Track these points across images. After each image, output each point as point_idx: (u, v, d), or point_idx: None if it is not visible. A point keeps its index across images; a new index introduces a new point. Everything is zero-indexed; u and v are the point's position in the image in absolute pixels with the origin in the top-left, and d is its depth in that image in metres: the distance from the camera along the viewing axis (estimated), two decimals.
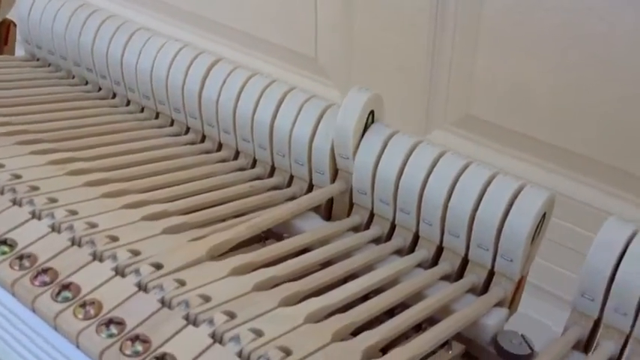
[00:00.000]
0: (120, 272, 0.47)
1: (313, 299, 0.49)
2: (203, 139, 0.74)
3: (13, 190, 0.55)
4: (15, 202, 0.54)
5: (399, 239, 0.62)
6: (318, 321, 0.47)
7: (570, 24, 0.80)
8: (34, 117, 0.70)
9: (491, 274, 0.59)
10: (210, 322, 0.44)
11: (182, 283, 0.47)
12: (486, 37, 0.88)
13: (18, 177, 0.57)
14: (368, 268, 0.57)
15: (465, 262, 0.60)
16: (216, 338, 0.43)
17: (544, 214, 0.56)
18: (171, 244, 0.51)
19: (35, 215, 0.52)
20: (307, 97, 0.66)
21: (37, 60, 0.86)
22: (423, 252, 0.61)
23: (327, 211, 0.67)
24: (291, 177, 0.69)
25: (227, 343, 0.43)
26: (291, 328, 0.45)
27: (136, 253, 0.49)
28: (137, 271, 0.47)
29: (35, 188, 0.55)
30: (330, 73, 1.08)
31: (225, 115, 0.70)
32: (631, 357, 0.53)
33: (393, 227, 0.63)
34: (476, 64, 0.90)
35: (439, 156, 0.59)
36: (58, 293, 0.45)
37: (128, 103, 0.80)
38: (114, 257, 0.48)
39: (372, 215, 0.64)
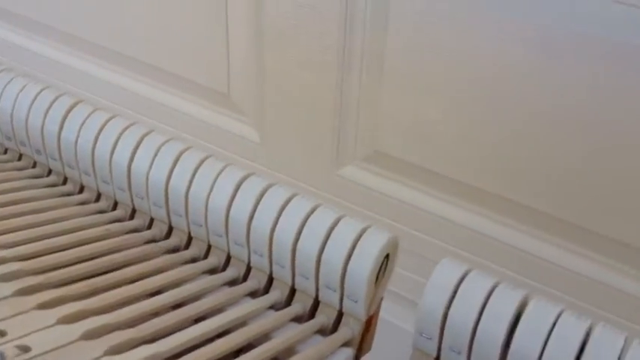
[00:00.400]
0: None
1: (147, 346, 0.49)
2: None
3: None
4: None
5: (254, 281, 0.63)
6: None
7: (462, 65, 0.84)
8: None
9: (340, 314, 0.60)
10: None
11: (2, 333, 0.45)
12: (390, 76, 0.90)
13: None
14: (216, 311, 0.57)
15: (316, 303, 0.61)
16: None
17: (387, 255, 0.58)
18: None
19: None
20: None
21: None
22: (276, 293, 0.62)
23: None
24: (151, 220, 0.68)
25: None
26: None
27: None
28: None
29: None
30: (244, 110, 1.09)
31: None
32: None
33: (249, 269, 0.63)
34: (381, 102, 0.93)
35: (290, 198, 0.60)
36: None
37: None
38: None
39: (228, 258, 0.64)
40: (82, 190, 0.72)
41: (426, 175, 0.93)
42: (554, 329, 0.51)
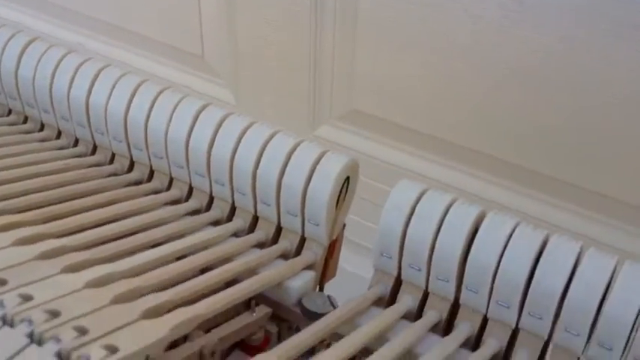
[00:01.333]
0: None
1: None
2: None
3: None
4: None
5: (217, 211, 0.63)
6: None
7: (437, 19, 0.83)
8: None
9: (303, 239, 0.60)
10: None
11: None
12: (364, 32, 0.90)
13: None
14: (177, 238, 0.57)
15: (279, 229, 0.61)
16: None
17: (347, 179, 0.58)
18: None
19: None
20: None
21: None
22: (239, 221, 0.62)
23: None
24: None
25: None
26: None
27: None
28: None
29: None
30: (218, 71, 1.08)
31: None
32: (427, 310, 0.56)
33: (211, 200, 0.64)
34: (356, 59, 0.92)
35: (248, 126, 0.60)
36: None
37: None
38: None
39: (190, 189, 0.65)
40: (42, 128, 0.72)
41: (401, 131, 0.93)
42: (511, 240, 0.51)
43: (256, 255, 0.58)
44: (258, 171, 0.59)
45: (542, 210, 0.87)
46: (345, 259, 0.65)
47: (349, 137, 0.98)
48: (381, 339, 0.51)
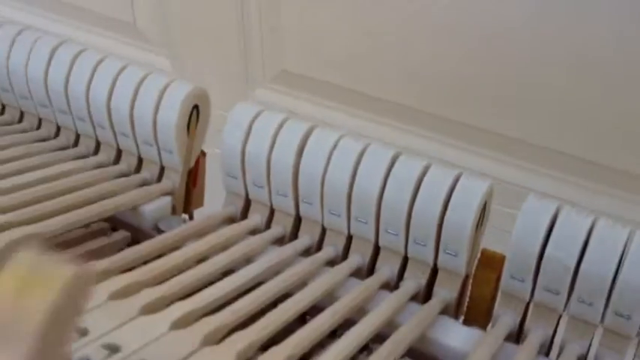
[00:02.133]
0: None
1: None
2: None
3: None
4: None
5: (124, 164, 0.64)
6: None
7: None
8: None
9: (162, 169, 0.63)
10: None
11: None
12: None
13: None
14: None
15: (140, 161, 0.64)
16: None
17: (196, 106, 0.60)
18: None
19: None
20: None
21: None
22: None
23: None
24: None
25: None
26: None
27: None
28: None
29: None
30: (152, 39, 1.07)
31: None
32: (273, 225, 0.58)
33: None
34: (281, 18, 0.92)
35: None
36: None
37: None
38: None
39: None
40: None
41: (331, 89, 0.93)
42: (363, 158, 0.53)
43: (120, 185, 0.61)
44: (111, 103, 0.62)
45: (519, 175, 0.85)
46: None
47: (283, 99, 0.98)
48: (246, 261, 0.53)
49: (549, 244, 0.47)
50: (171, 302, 0.44)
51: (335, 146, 0.54)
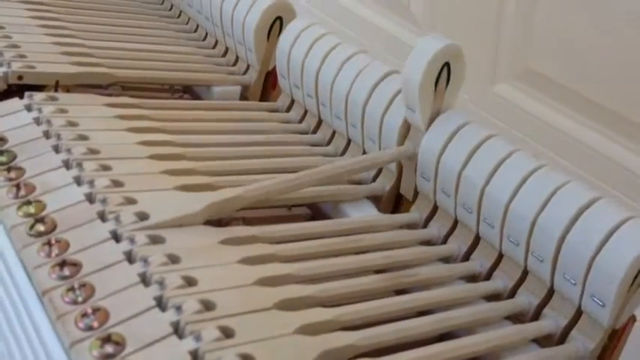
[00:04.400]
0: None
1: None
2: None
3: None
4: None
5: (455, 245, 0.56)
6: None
7: None
8: None
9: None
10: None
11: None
12: None
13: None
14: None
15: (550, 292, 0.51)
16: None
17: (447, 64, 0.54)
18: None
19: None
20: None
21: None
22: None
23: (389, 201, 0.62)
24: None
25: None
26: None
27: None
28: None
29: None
30: (419, 21, 1.11)
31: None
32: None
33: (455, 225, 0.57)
34: (535, 18, 0.91)
35: (534, 169, 0.51)
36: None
37: None
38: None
39: (435, 208, 0.58)
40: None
41: (573, 98, 0.89)
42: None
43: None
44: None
45: None
46: None
47: (523, 97, 0.96)
48: None
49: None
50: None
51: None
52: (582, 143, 0.89)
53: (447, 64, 0.56)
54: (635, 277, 0.45)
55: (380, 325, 0.45)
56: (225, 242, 0.47)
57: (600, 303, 0.46)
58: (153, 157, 0.55)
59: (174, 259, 0.44)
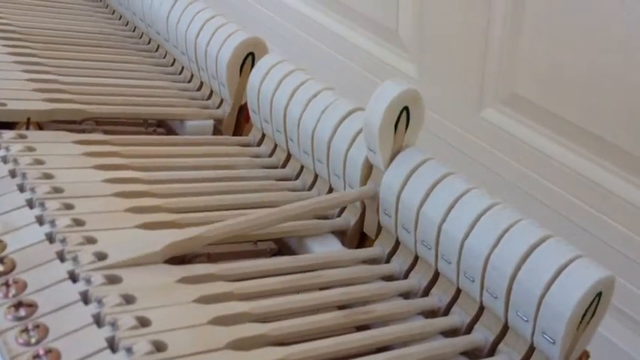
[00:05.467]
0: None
1: None
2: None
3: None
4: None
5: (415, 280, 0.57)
6: None
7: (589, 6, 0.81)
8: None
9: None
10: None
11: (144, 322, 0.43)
12: (531, 20, 0.91)
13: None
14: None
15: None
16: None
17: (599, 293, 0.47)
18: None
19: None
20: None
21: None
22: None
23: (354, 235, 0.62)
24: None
25: None
26: None
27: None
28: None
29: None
30: (408, 47, 1.14)
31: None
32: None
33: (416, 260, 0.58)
34: (520, 45, 0.94)
35: (488, 207, 0.52)
36: None
37: None
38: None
39: (397, 244, 0.59)
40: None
41: (558, 122, 0.92)
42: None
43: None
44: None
45: None
46: None
47: (510, 122, 0.99)
48: None
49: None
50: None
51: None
52: (566, 166, 0.91)
53: (406, 108, 0.57)
54: (584, 314, 0.46)
55: None
56: (182, 281, 0.48)
57: (551, 340, 0.46)
58: (118, 194, 0.56)
59: (129, 300, 0.44)
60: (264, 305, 0.48)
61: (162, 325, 0.43)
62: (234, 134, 0.78)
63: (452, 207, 0.53)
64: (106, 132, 0.71)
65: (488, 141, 1.01)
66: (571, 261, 0.46)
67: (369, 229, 0.61)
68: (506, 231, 0.49)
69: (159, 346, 0.41)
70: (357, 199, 0.61)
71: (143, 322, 0.43)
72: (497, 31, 0.96)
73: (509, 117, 0.98)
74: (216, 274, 0.50)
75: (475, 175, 1.00)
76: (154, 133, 0.77)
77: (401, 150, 0.58)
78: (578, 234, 0.89)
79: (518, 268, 0.48)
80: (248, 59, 0.76)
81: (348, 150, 0.61)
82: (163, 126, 0.79)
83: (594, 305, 0.46)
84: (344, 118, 0.63)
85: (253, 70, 0.72)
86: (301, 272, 0.54)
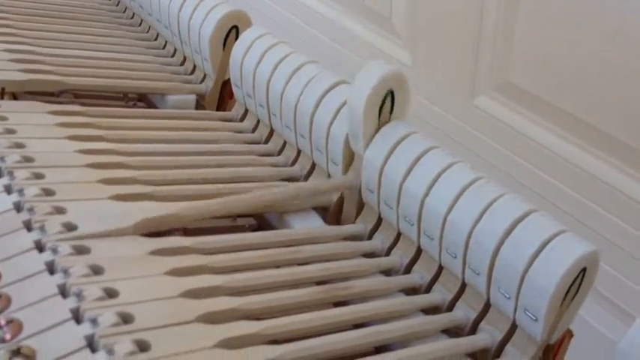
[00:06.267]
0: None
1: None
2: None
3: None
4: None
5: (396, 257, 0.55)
6: None
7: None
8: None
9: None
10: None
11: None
12: (525, 4, 0.90)
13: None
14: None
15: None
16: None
17: (584, 269, 0.45)
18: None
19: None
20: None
21: None
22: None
23: (336, 212, 0.61)
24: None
25: None
26: None
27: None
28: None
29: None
30: (401, 34, 1.13)
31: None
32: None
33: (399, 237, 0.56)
34: (515, 34, 0.93)
35: (472, 181, 0.50)
36: None
37: None
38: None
39: (379, 220, 0.58)
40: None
41: (551, 111, 0.90)
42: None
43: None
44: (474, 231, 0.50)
45: None
46: None
47: (502, 110, 0.98)
48: None
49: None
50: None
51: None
52: (558, 154, 0.90)
53: (390, 92, 0.55)
54: (568, 290, 0.45)
55: (313, 338, 0.44)
56: (155, 253, 0.46)
57: (533, 317, 0.45)
58: (91, 165, 0.54)
59: (97, 270, 0.43)
60: (239, 279, 0.46)
61: (130, 297, 0.41)
62: (218, 110, 0.77)
63: (435, 181, 0.51)
64: (84, 105, 0.69)
65: (480, 129, 1.00)
66: (555, 236, 0.45)
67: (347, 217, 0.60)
68: (489, 205, 0.48)
69: (125, 318, 0.40)
70: (336, 189, 0.60)
71: (110, 294, 0.41)
72: (490, 19, 0.95)
73: (502, 105, 0.97)
74: (190, 247, 0.48)
75: None
76: (134, 107, 0.75)
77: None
78: (568, 222, 0.88)
79: (500, 243, 0.46)
80: (232, 33, 0.74)
81: (330, 124, 0.60)
82: (144, 100, 0.77)
83: (578, 281, 0.45)
84: (327, 90, 0.61)
85: (236, 43, 0.70)
86: (280, 247, 0.52)
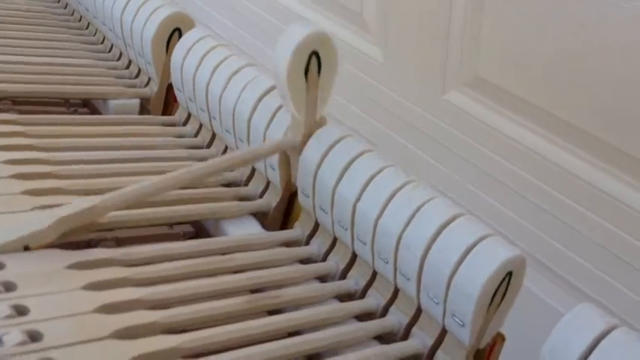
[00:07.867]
0: None
1: None
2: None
3: None
4: None
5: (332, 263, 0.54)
6: None
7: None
8: None
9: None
10: None
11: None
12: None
13: None
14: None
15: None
16: None
17: (509, 273, 0.44)
18: None
19: None
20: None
21: None
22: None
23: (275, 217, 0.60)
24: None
25: None
26: None
27: None
28: None
29: None
30: (372, 30, 1.11)
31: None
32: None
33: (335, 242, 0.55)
34: (483, 27, 0.92)
35: (402, 185, 0.49)
36: None
37: None
38: None
39: (316, 225, 0.57)
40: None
41: (521, 105, 0.89)
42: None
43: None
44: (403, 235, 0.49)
45: None
46: None
47: (473, 105, 0.97)
48: None
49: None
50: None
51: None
52: (528, 148, 0.89)
53: (315, 53, 0.53)
54: (494, 295, 0.44)
55: (243, 348, 0.43)
56: (72, 267, 0.45)
57: (460, 322, 0.44)
58: (16, 176, 0.53)
59: (8, 287, 0.41)
60: (162, 291, 0.45)
61: (40, 314, 0.40)
62: (164, 114, 0.75)
63: (367, 185, 0.50)
64: (22, 112, 0.67)
65: (451, 123, 0.99)
66: (480, 240, 0.44)
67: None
68: (417, 210, 0.47)
69: (33, 336, 0.38)
70: (276, 150, 0.57)
71: (20, 311, 0.40)
72: (459, 13, 0.94)
73: (473, 99, 0.96)
74: (114, 259, 0.47)
75: (438, 157, 0.98)
76: (76, 113, 0.74)
77: (317, 98, 0.55)
78: (542, 217, 0.88)
79: (428, 248, 0.45)
80: (175, 36, 0.72)
81: (267, 128, 0.58)
82: (88, 106, 0.76)
83: (504, 285, 0.44)
84: (264, 94, 0.60)
85: (176, 46, 0.69)
86: (212, 256, 0.51)
